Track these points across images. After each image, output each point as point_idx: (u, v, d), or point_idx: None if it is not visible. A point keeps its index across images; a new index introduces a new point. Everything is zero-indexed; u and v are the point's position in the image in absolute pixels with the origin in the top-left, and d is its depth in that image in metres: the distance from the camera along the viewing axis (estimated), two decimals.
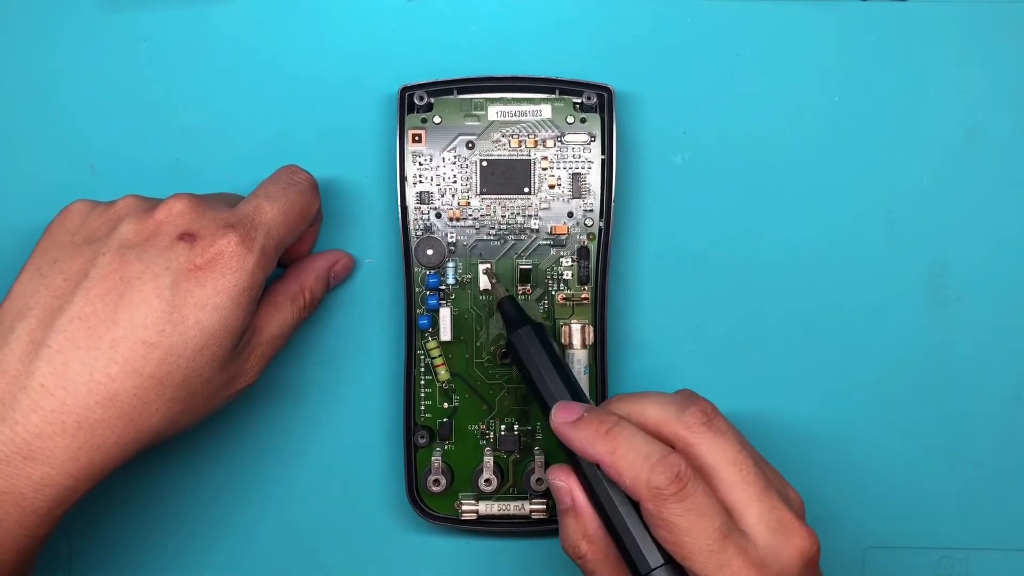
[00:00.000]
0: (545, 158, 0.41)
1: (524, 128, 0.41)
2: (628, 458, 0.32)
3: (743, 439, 0.34)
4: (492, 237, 0.41)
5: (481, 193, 0.41)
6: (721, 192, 0.42)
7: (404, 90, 0.40)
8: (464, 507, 0.41)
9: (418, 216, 0.41)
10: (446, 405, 0.41)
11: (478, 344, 0.41)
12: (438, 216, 0.41)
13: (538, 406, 0.37)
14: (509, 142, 0.41)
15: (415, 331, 0.41)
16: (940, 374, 0.42)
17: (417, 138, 0.41)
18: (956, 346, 0.42)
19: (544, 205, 0.41)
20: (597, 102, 0.41)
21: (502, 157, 0.41)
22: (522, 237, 0.41)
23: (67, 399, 0.32)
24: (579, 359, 0.40)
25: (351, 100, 0.42)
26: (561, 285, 0.41)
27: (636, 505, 0.33)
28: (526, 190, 0.41)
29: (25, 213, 0.41)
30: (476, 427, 0.41)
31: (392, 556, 0.42)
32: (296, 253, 0.40)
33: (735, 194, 0.42)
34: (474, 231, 0.41)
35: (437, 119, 0.41)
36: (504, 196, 0.41)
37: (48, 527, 0.32)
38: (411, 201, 0.41)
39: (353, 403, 0.42)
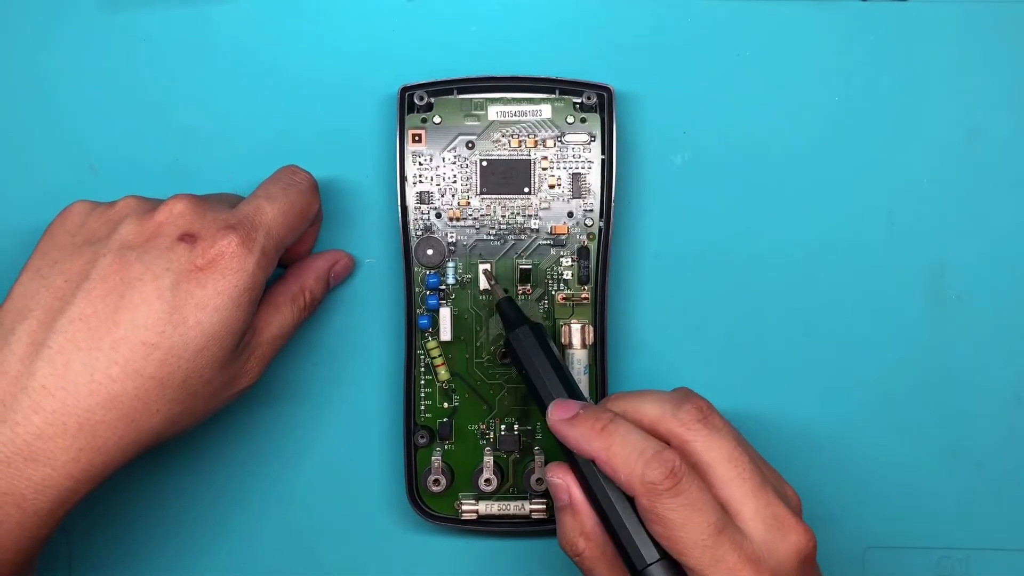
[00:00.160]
0: (545, 158, 0.41)
1: (524, 128, 0.41)
2: (623, 454, 0.33)
3: (739, 436, 0.34)
4: (492, 237, 0.41)
5: (481, 193, 0.41)
6: (721, 192, 0.42)
7: (404, 90, 0.40)
8: (464, 507, 0.41)
9: (418, 216, 0.41)
10: (446, 405, 0.41)
11: (478, 344, 0.41)
12: (438, 216, 0.41)
13: (537, 406, 0.37)
14: (509, 142, 0.41)
15: (415, 331, 0.41)
16: (940, 374, 0.42)
17: (417, 138, 0.41)
18: (956, 346, 0.42)
19: (544, 205, 0.41)
20: (597, 102, 0.41)
21: (502, 157, 0.41)
22: (522, 237, 0.41)
23: (68, 400, 0.32)
24: (579, 359, 0.40)
25: (351, 100, 0.42)
26: (561, 285, 0.41)
27: (632, 501, 0.33)
28: (526, 190, 0.41)
29: (25, 213, 0.41)
30: (476, 427, 0.41)
31: (392, 556, 0.43)
32: (296, 253, 0.40)
33: (735, 194, 0.42)
34: (474, 231, 0.41)
35: (437, 119, 0.41)
36: (504, 196, 0.41)
37: (49, 528, 0.32)
38: (411, 201, 0.41)
39: (353, 403, 0.42)
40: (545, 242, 0.41)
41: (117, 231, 0.34)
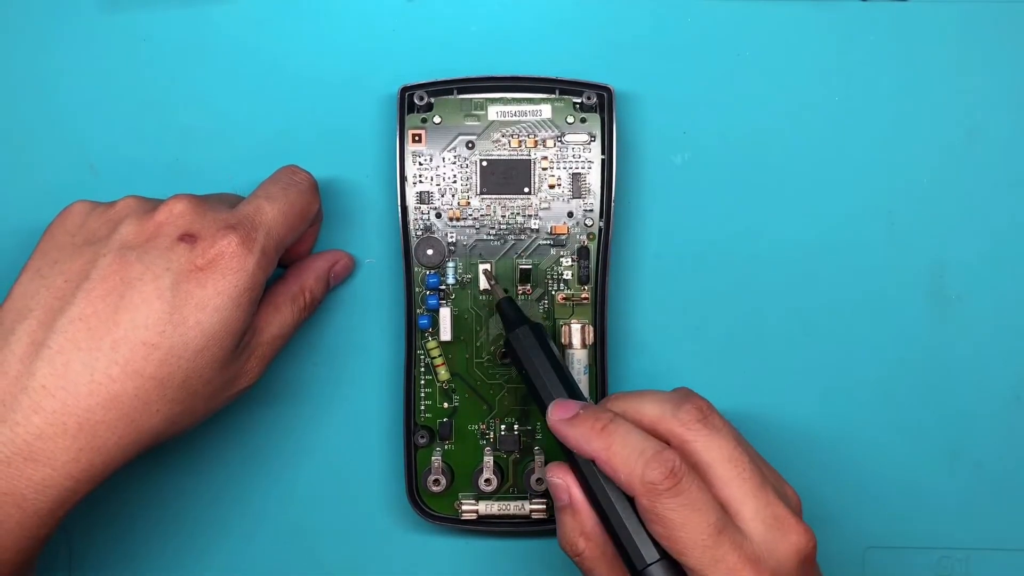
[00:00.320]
0: (545, 158, 0.41)
1: (524, 128, 0.41)
2: (623, 454, 0.33)
3: (739, 436, 0.34)
4: (492, 237, 0.41)
5: (481, 193, 0.41)
6: (721, 192, 0.42)
7: (404, 90, 0.40)
8: (464, 507, 0.41)
9: (418, 216, 0.41)
10: (446, 405, 0.41)
11: (478, 344, 0.41)
12: (438, 216, 0.41)
13: (537, 406, 0.37)
14: (509, 142, 0.41)
15: (415, 331, 0.41)
16: (940, 374, 0.42)
17: (417, 138, 0.41)
18: (956, 346, 0.42)
19: (544, 205, 0.41)
20: (597, 102, 0.41)
21: (502, 157, 0.41)
22: (522, 237, 0.41)
23: (68, 400, 0.32)
24: (579, 359, 0.40)
25: (351, 100, 0.42)
26: (561, 285, 0.41)
27: (632, 501, 0.33)
28: (526, 190, 0.41)
29: (25, 213, 0.41)
30: (476, 427, 0.41)
31: (392, 556, 0.42)
32: (296, 253, 0.40)
33: (735, 194, 0.42)
34: (474, 231, 0.41)
35: (437, 119, 0.41)
36: (504, 196, 0.41)
37: (49, 528, 0.32)
38: (411, 201, 0.41)
39: (353, 403, 0.42)
40: (545, 242, 0.41)
41: (117, 231, 0.34)
